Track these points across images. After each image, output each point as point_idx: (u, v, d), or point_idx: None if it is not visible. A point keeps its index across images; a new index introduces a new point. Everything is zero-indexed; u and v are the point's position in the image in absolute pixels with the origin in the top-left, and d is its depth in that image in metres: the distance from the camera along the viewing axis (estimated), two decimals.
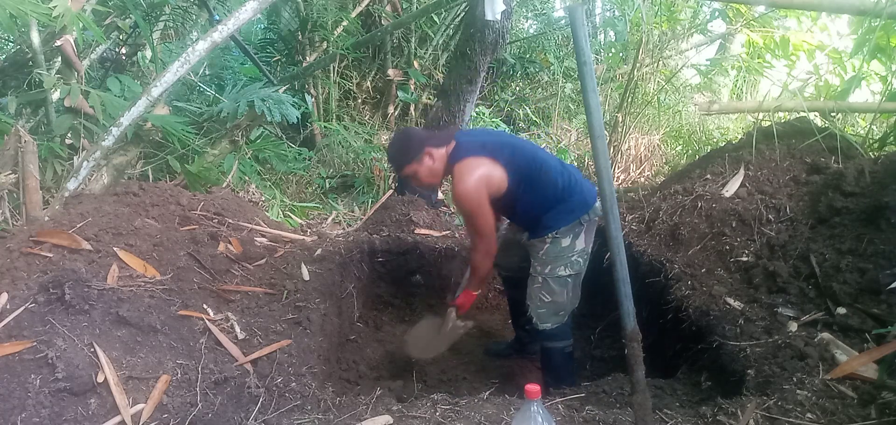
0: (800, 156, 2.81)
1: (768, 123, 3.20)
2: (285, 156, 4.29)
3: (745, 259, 2.41)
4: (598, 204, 2.24)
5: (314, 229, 3.51)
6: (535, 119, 6.33)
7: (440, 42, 5.73)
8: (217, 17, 3.45)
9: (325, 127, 4.96)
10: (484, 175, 2.14)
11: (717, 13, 5.09)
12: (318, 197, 4.34)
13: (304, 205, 4.08)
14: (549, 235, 2.21)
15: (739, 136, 3.69)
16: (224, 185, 3.41)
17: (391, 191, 4.03)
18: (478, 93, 4.34)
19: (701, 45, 5.95)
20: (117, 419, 1.57)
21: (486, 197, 2.15)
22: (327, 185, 4.49)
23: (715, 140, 4.96)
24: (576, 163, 4.82)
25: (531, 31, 7.09)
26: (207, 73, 4.93)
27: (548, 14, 7.00)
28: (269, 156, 4.13)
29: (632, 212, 3.22)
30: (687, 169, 3.42)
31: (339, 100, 5.30)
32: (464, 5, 4.51)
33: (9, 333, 1.67)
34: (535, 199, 2.21)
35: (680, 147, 5.09)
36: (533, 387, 1.30)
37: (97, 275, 1.93)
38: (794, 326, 1.97)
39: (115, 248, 2.10)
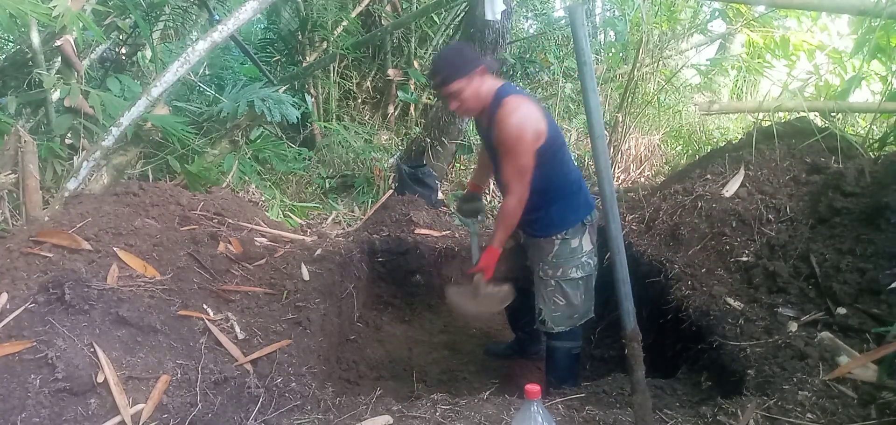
0: (800, 156, 2.81)
1: (768, 123, 3.20)
2: (285, 156, 4.28)
3: (745, 259, 2.41)
4: (596, 209, 2.24)
5: (314, 229, 3.51)
6: None
7: (440, 42, 5.72)
8: (217, 17, 3.45)
9: (325, 127, 4.96)
10: (535, 116, 2.03)
11: (717, 13, 5.09)
12: (318, 197, 4.34)
13: (304, 205, 4.08)
14: (559, 236, 2.17)
15: (739, 136, 3.69)
16: (224, 185, 3.41)
17: (391, 191, 4.03)
18: None
19: (701, 44, 5.94)
20: (117, 419, 1.57)
21: (531, 137, 2.03)
22: (327, 185, 4.49)
23: (715, 140, 4.96)
24: (576, 163, 4.82)
25: (531, 31, 7.09)
26: (207, 72, 4.93)
27: (548, 14, 7.00)
28: (268, 156, 4.12)
29: (632, 211, 3.22)
30: (687, 169, 3.42)
31: (339, 100, 5.30)
32: (464, 5, 4.51)
33: (9, 333, 1.67)
34: (553, 178, 2.13)
35: (680, 147, 5.09)
36: (533, 387, 1.30)
37: (97, 275, 1.93)
38: (794, 326, 1.97)
39: (114, 248, 2.10)
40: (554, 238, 2.18)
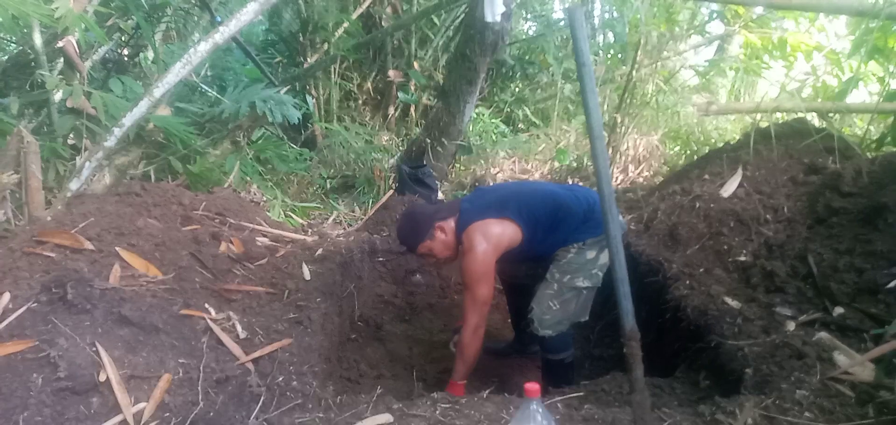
0: (798, 156, 2.82)
1: (766, 124, 3.22)
2: (286, 157, 4.30)
3: (743, 259, 2.42)
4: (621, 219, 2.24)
5: (315, 229, 3.52)
6: (534, 120, 6.35)
7: (440, 43, 5.74)
8: (219, 19, 3.46)
9: (326, 128, 4.98)
10: (494, 239, 2.09)
11: (715, 14, 5.10)
12: (319, 197, 4.35)
13: (306, 205, 4.09)
14: (575, 246, 2.18)
15: (737, 137, 3.70)
16: (226, 186, 3.42)
17: (392, 191, 4.04)
18: (478, 94, 4.35)
19: (699, 46, 5.96)
20: (119, 418, 1.58)
21: (494, 263, 2.10)
22: (328, 186, 4.51)
23: (713, 141, 4.97)
24: (575, 164, 4.83)
25: (531, 32, 7.10)
26: (209, 74, 4.93)
27: (547, 15, 7.01)
28: (270, 156, 4.14)
29: (630, 212, 3.23)
30: (685, 169, 3.43)
31: (339, 101, 5.32)
32: (464, 7, 4.52)
33: (11, 333, 1.67)
34: (559, 236, 2.17)
35: (678, 147, 5.10)
36: (532, 386, 1.30)
37: (99, 274, 1.94)
38: (791, 326, 1.98)
39: (117, 248, 2.11)
40: (570, 247, 2.19)
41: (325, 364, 2.19)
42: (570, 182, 4.47)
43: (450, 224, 2.20)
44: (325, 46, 5.03)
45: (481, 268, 2.07)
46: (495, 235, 2.09)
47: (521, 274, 2.51)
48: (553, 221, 2.16)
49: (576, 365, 2.45)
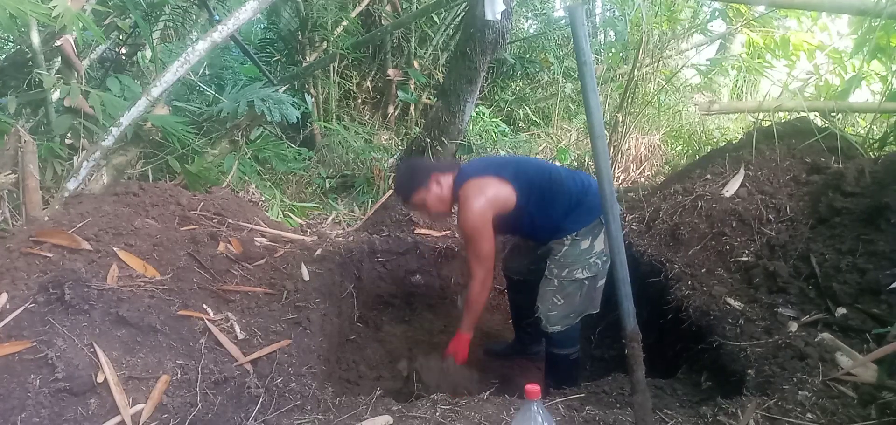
0: (800, 156, 2.81)
1: (768, 123, 3.20)
2: (285, 156, 4.28)
3: (745, 259, 2.41)
4: None
5: (314, 229, 3.51)
6: (535, 119, 6.33)
7: (440, 42, 5.73)
8: (217, 17, 3.45)
9: (325, 127, 4.96)
10: (489, 194, 2.12)
11: (717, 13, 5.09)
12: (317, 197, 4.34)
13: (304, 205, 4.08)
14: (568, 237, 2.18)
15: (739, 136, 3.68)
16: (224, 185, 3.41)
17: (391, 191, 4.03)
18: (478, 93, 4.33)
19: (701, 44, 5.95)
20: (117, 419, 1.57)
21: (491, 219, 2.13)
22: (327, 185, 4.49)
23: (715, 140, 4.96)
24: (576, 164, 4.82)
25: (531, 30, 7.09)
26: (207, 72, 4.92)
27: (548, 14, 7.00)
28: (268, 156, 4.12)
29: (632, 211, 3.22)
30: (687, 169, 3.42)
31: (339, 100, 5.30)
32: (464, 5, 4.51)
33: (8, 333, 1.67)
34: (551, 212, 2.19)
35: (680, 147, 5.09)
36: (533, 387, 1.30)
37: (97, 275, 1.93)
38: (794, 326, 1.97)
39: (114, 248, 2.10)
40: (564, 239, 2.20)
41: (324, 365, 2.18)
42: None
43: (447, 179, 2.24)
44: (324, 45, 5.01)
45: (478, 221, 2.10)
46: (491, 192, 2.13)
47: (523, 269, 2.51)
48: (547, 193, 2.18)
49: (581, 370, 2.44)
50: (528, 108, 6.38)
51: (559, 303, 2.22)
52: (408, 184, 2.26)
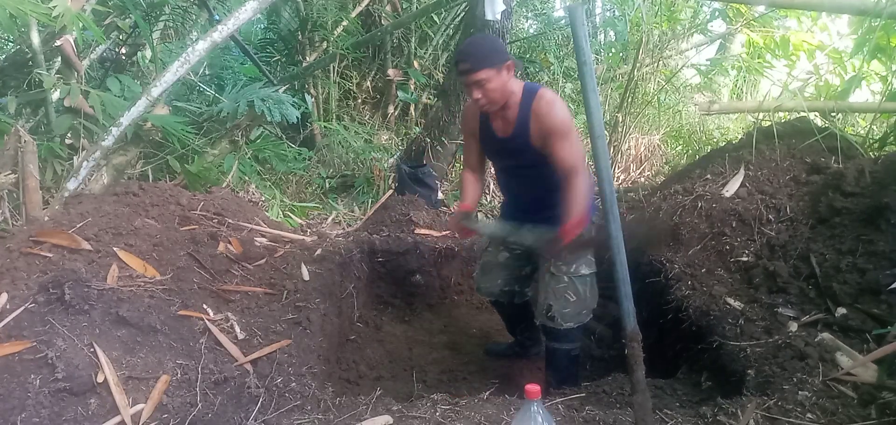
0: (800, 156, 2.81)
1: (768, 123, 3.20)
2: (285, 156, 4.29)
3: (745, 259, 2.41)
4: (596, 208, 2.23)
5: (314, 229, 3.51)
6: None
7: (440, 42, 5.73)
8: (217, 17, 3.45)
9: (324, 127, 4.96)
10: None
11: (717, 13, 5.09)
12: (317, 197, 4.34)
13: (304, 205, 4.08)
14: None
15: (739, 136, 3.68)
16: (224, 185, 3.41)
17: (391, 191, 4.03)
18: None
19: (701, 44, 5.95)
20: (117, 419, 1.57)
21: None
22: (327, 185, 4.49)
23: (715, 140, 4.96)
24: None
25: (531, 30, 7.08)
26: (207, 72, 4.93)
27: (548, 14, 7.00)
28: (268, 156, 4.13)
29: (632, 212, 3.22)
30: (687, 169, 3.42)
31: (338, 100, 5.30)
32: (464, 5, 4.51)
33: (8, 333, 1.67)
34: (554, 193, 2.10)
35: (680, 147, 5.09)
36: (533, 387, 1.29)
37: (97, 275, 1.93)
38: (794, 326, 1.97)
39: (114, 248, 2.10)
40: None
41: (324, 365, 2.18)
42: None
43: (517, 79, 2.09)
44: (324, 45, 5.01)
45: (570, 119, 2.03)
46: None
47: (495, 289, 2.43)
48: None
49: (580, 368, 2.44)
50: None
51: (572, 300, 2.21)
52: (482, 55, 1.99)
